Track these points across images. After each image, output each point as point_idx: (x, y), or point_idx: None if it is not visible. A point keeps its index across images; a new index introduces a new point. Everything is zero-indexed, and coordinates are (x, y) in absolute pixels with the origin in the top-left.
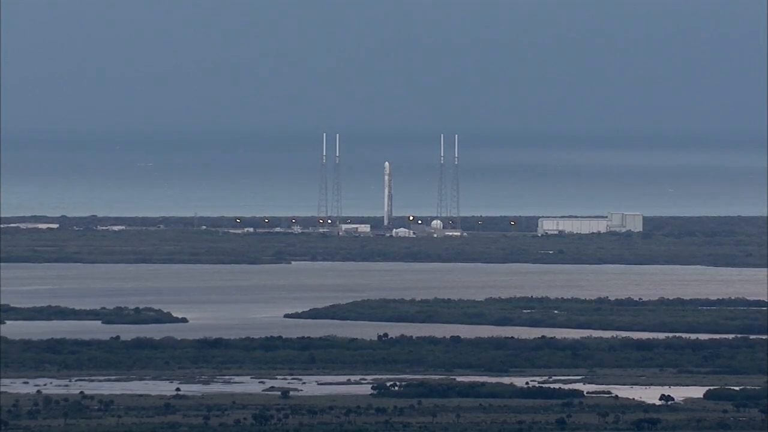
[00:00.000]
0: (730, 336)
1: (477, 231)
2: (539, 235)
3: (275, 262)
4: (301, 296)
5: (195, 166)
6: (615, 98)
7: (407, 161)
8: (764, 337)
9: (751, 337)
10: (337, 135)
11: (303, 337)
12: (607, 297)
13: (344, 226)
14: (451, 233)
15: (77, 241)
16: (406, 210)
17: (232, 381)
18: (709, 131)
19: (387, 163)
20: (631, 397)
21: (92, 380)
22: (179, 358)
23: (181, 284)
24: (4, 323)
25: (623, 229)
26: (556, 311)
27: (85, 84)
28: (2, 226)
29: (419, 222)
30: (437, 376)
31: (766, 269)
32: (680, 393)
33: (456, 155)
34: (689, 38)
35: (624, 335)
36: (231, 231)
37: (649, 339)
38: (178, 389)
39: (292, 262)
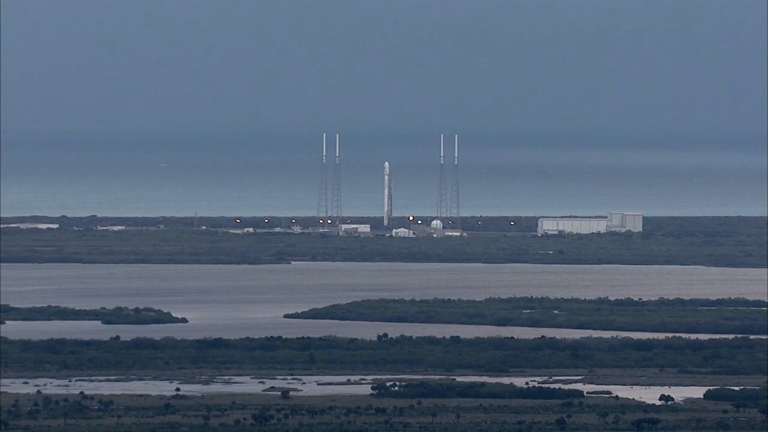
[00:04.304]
0: (730, 336)
1: (477, 231)
2: (539, 235)
3: (275, 262)
4: (301, 296)
5: (195, 166)
6: (615, 98)
7: (407, 161)
8: (764, 337)
9: (751, 337)
10: (337, 135)
11: (303, 337)
12: (607, 297)
13: (344, 227)
14: (451, 233)
15: (77, 241)
16: (406, 210)
17: (232, 381)
18: (709, 131)
19: (387, 163)
20: (631, 398)
21: (92, 380)
22: (179, 358)
23: (181, 284)
24: (4, 323)
25: (623, 229)
26: (556, 311)
27: (84, 83)
28: (2, 226)
29: (419, 222)
30: (437, 376)
31: (766, 269)
32: (680, 393)
33: (456, 155)
34: (689, 38)
35: (624, 335)
36: (231, 231)
37: (649, 339)
38: (178, 389)
39: (292, 262)
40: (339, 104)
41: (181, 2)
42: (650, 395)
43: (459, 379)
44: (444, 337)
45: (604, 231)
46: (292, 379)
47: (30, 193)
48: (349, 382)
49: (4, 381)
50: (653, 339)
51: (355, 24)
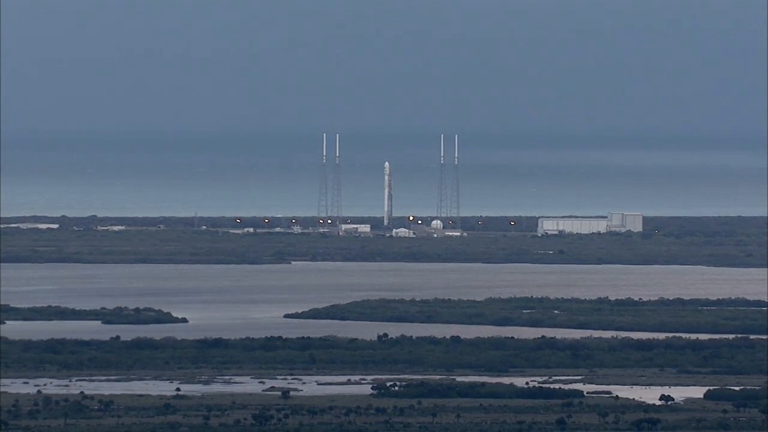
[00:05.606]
0: (730, 336)
1: (477, 231)
2: (539, 235)
3: (275, 262)
4: (301, 296)
5: (195, 166)
6: (615, 98)
7: (407, 161)
8: (764, 337)
9: (751, 337)
10: (337, 135)
11: (303, 337)
12: (607, 297)
13: (344, 226)
14: (451, 233)
15: (77, 241)
16: (406, 210)
17: (232, 381)
18: (709, 131)
19: (387, 163)
20: (631, 398)
21: (92, 380)
22: (179, 358)
23: (181, 284)
24: (4, 323)
25: (623, 229)
26: (556, 311)
27: (84, 83)
28: (2, 226)
29: (419, 222)
30: (437, 376)
31: (766, 269)
32: (680, 393)
33: (456, 155)
34: (689, 37)
35: (624, 335)
36: (231, 231)
37: (649, 339)
38: (178, 389)
39: (292, 262)
40: (339, 104)
41: (181, 2)
42: (650, 395)
43: (459, 379)
44: (444, 337)
45: (605, 231)
46: (292, 379)
47: (30, 193)
48: (349, 382)
49: (4, 381)
50: (653, 339)
51: (355, 24)
